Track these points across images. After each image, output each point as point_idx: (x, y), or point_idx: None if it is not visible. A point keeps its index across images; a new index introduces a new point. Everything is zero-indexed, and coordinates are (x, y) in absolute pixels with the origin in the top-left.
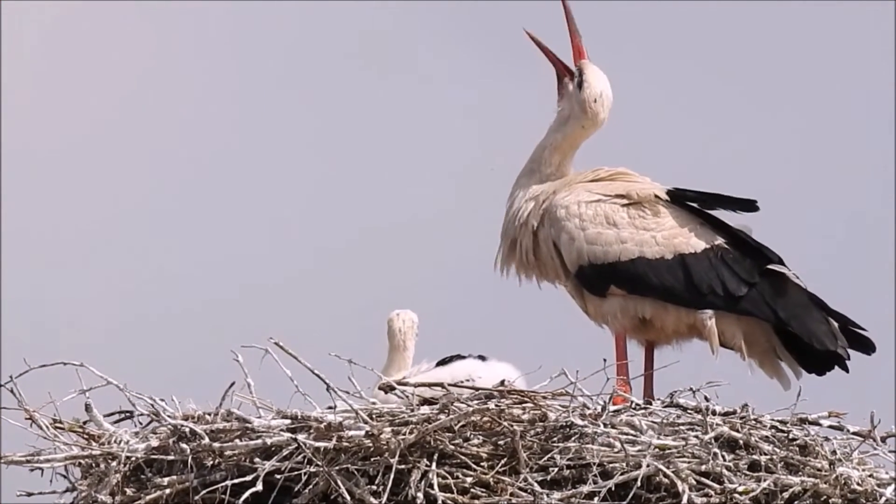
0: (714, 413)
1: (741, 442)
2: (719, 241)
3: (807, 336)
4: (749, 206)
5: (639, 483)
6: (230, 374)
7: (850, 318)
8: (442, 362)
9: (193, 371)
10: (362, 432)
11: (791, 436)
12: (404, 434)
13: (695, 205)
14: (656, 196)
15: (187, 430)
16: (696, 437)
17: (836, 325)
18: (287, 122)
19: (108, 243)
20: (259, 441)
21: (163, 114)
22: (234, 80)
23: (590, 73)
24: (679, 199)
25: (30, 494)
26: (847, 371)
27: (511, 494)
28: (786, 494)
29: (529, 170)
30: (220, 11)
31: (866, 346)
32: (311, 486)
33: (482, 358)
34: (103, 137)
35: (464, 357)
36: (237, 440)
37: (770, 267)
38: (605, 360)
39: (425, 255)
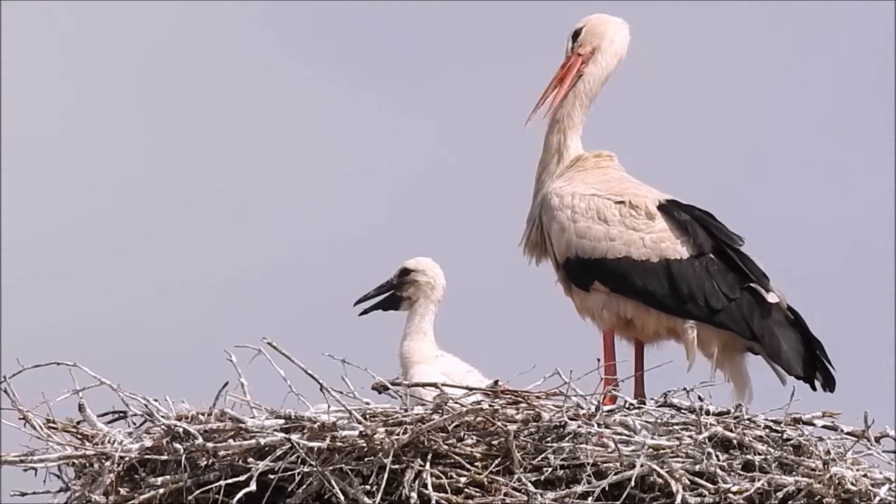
0: (708, 413)
1: (735, 442)
2: (706, 251)
3: (775, 356)
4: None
5: (633, 483)
6: (224, 374)
7: (823, 349)
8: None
9: (187, 371)
10: (356, 432)
11: (785, 436)
12: (398, 434)
13: (687, 215)
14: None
15: (181, 430)
16: (690, 436)
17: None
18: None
19: None
20: (253, 441)
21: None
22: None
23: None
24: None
25: (23, 494)
26: (815, 389)
27: (505, 494)
28: (780, 494)
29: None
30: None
31: (827, 382)
32: (304, 486)
33: None
34: None
35: None
36: (231, 440)
37: (751, 285)
38: (598, 359)
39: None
